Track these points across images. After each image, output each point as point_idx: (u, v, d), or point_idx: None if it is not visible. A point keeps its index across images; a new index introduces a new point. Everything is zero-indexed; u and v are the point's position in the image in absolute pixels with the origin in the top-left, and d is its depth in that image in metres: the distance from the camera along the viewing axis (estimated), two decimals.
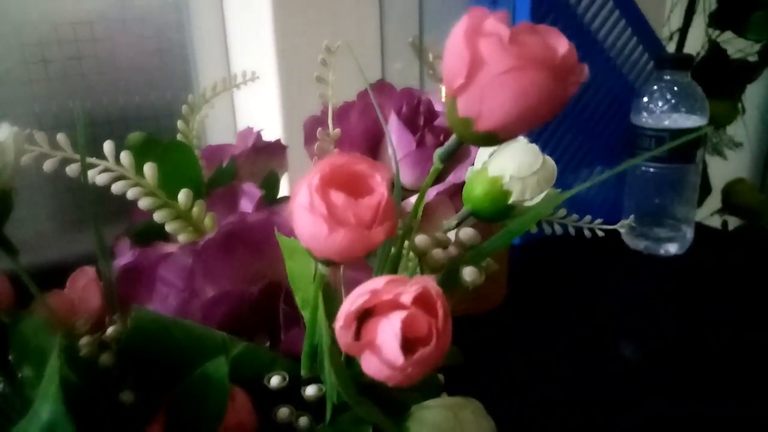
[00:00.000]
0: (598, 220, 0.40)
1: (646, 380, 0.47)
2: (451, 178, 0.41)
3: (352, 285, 0.20)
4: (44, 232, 0.66)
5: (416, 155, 0.42)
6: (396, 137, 0.43)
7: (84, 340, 0.26)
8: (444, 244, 0.26)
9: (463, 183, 0.28)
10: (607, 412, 0.44)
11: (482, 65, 0.19)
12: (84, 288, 0.30)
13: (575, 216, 0.39)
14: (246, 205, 0.38)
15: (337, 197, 0.19)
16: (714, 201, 1.06)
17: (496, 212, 0.26)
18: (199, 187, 0.37)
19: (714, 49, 0.97)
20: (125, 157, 0.31)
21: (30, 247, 0.64)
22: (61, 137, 0.30)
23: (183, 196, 0.33)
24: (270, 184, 0.44)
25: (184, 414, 0.23)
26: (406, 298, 0.19)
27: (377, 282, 0.19)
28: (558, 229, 0.40)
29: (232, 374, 0.23)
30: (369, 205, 0.19)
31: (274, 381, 0.25)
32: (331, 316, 0.23)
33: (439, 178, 0.38)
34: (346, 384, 0.22)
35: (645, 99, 0.67)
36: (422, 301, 0.19)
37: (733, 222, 1.09)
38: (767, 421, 0.42)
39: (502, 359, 0.51)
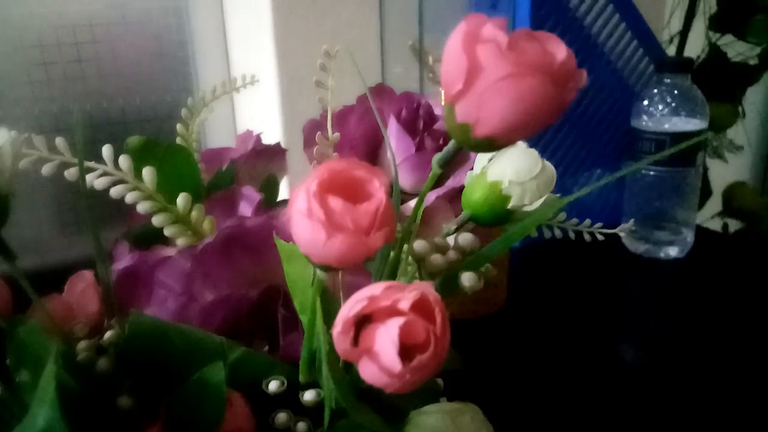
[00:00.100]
0: (598, 224, 0.39)
1: (646, 384, 0.47)
2: (451, 182, 0.41)
3: (350, 290, 0.20)
4: (42, 235, 0.66)
5: (415, 159, 0.42)
6: (395, 141, 0.43)
7: (81, 345, 0.26)
8: (443, 249, 0.26)
9: (463, 187, 0.27)
10: (607, 417, 0.44)
11: (480, 72, 0.19)
12: (82, 292, 0.30)
13: (575, 220, 0.39)
14: (245, 209, 0.38)
15: (335, 203, 0.19)
16: (714, 204, 1.06)
17: (495, 217, 0.26)
18: (198, 190, 0.37)
19: (714, 52, 0.97)
20: (124, 160, 0.31)
21: (28, 251, 0.64)
22: (59, 141, 0.30)
23: (182, 199, 0.33)
24: (269, 188, 0.44)
25: (182, 419, 0.23)
26: (404, 304, 0.19)
27: (375, 288, 0.19)
28: (558, 233, 0.40)
29: (230, 379, 0.23)
30: (367, 211, 0.19)
31: (273, 386, 0.25)
32: (329, 321, 0.23)
33: (438, 182, 0.38)
34: (344, 390, 0.22)
35: (645, 102, 0.67)
36: (420, 307, 0.19)
37: (734, 225, 1.09)
38: None
39: (502, 364, 0.51)
